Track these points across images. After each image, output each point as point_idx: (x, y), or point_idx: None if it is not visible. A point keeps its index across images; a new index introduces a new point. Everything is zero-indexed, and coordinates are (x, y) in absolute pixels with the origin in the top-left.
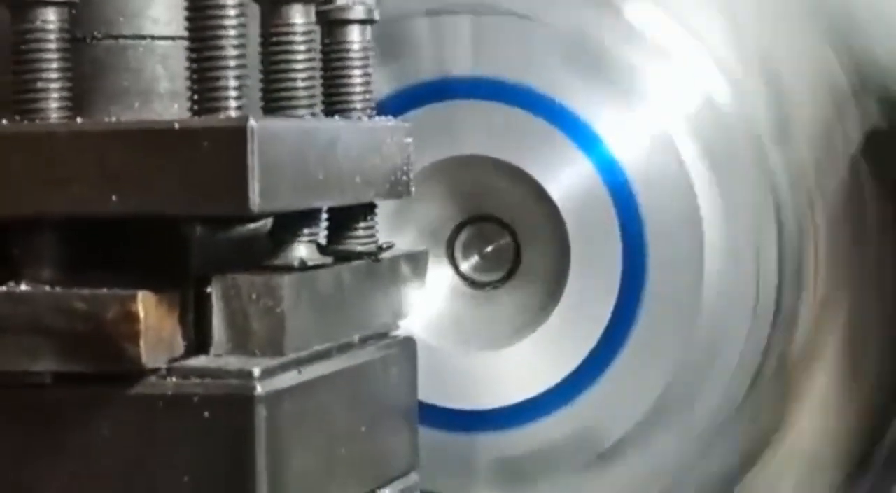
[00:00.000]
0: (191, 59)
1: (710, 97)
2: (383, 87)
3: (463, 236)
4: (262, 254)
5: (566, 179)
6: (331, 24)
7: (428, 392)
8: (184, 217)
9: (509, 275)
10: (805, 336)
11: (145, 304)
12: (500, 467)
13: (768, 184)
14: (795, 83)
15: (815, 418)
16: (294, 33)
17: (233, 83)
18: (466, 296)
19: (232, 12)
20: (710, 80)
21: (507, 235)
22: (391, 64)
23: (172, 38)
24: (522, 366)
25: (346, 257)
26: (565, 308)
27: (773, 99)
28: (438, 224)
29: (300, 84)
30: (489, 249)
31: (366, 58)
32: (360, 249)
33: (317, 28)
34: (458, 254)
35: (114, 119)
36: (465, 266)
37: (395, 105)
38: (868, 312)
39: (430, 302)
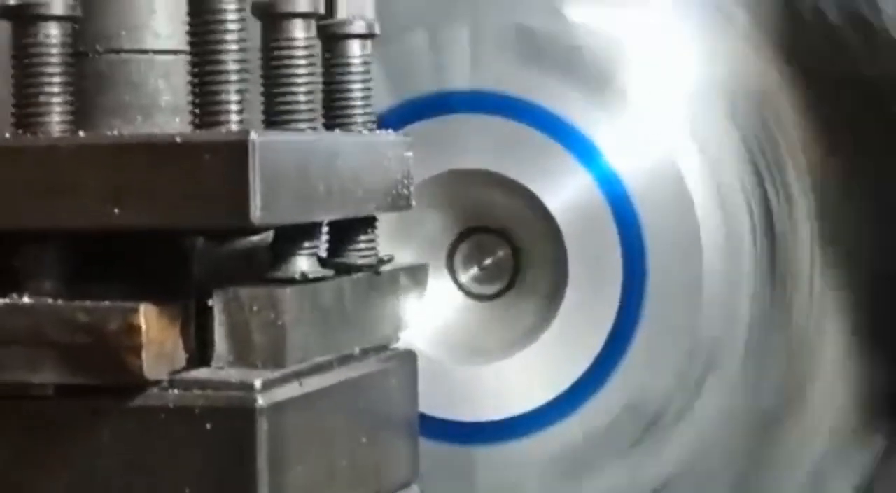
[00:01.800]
0: (192, 74)
1: (710, 110)
2: (383, 100)
3: (462, 248)
4: (264, 267)
5: (565, 191)
6: (331, 39)
7: (428, 404)
8: (186, 230)
9: (509, 287)
10: (809, 328)
11: (147, 316)
12: (500, 478)
13: (764, 191)
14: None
15: (830, 395)
16: (295, 48)
17: (234, 97)
18: (466, 308)
19: (233, 26)
20: (710, 96)
21: (507, 247)
22: (390, 78)
23: (174, 52)
24: (522, 378)
25: (346, 269)
26: (565, 320)
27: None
28: (438, 236)
29: (301, 98)
30: (488, 260)
31: (366, 72)
32: (360, 261)
33: (317, 42)
34: (457, 266)
35: (116, 133)
36: (464, 278)
37: (395, 119)
38: (870, 292)
39: (429, 314)
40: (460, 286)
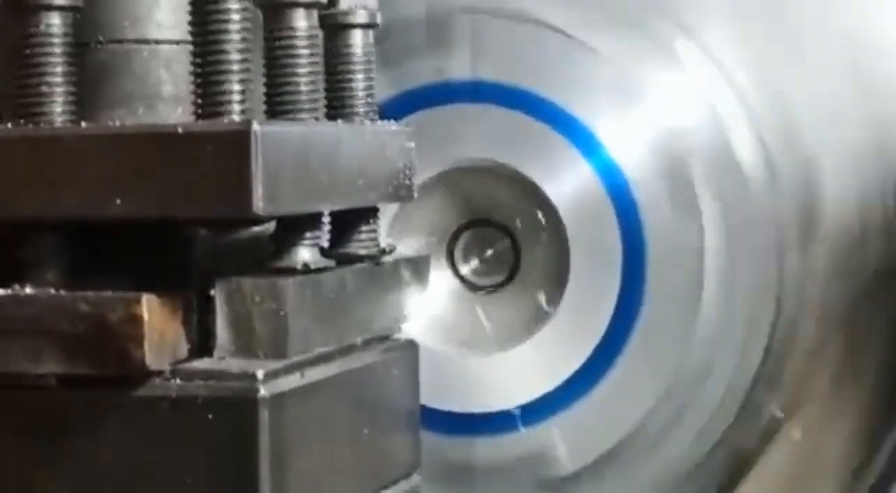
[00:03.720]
0: (195, 64)
1: (713, 105)
2: (383, 90)
3: (463, 240)
4: (266, 257)
5: (566, 182)
6: (333, 29)
7: (427, 395)
8: (188, 220)
9: (509, 279)
10: (805, 341)
11: (149, 306)
12: (500, 470)
13: (767, 187)
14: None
15: (814, 421)
16: (297, 37)
17: (236, 87)
18: (466, 299)
19: (236, 17)
20: (715, 91)
21: (507, 239)
22: (391, 68)
23: (176, 42)
24: (522, 370)
25: (348, 260)
26: (565, 312)
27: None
28: (438, 228)
29: (303, 88)
30: (489, 252)
31: (368, 62)
32: (362, 252)
33: (319, 32)
34: (457, 258)
35: (118, 123)
36: (464, 270)
37: (395, 109)
38: (866, 321)
39: (429, 306)
40: (461, 278)
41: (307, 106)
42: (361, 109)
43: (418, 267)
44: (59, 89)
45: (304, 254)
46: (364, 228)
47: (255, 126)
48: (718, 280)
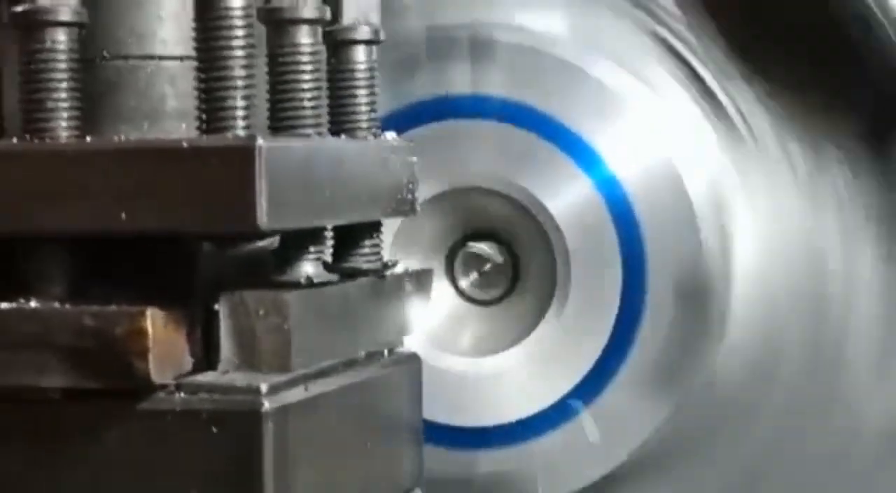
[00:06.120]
0: (199, 79)
1: (710, 118)
2: (384, 105)
3: (462, 253)
4: (269, 271)
5: (565, 196)
6: (337, 45)
7: (427, 409)
8: (192, 235)
9: (508, 292)
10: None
11: (154, 320)
12: (499, 484)
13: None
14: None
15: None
16: (300, 54)
17: (241, 103)
18: (466, 313)
19: (240, 33)
20: (713, 105)
21: (507, 252)
22: (391, 83)
23: (181, 58)
24: (521, 384)
25: (351, 274)
26: (565, 326)
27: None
28: (438, 241)
29: (307, 104)
30: (488, 266)
31: (371, 78)
32: (365, 266)
33: (323, 47)
34: (457, 271)
35: (122, 138)
36: (464, 283)
37: (395, 124)
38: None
39: (429, 319)
40: (460, 291)
41: (311, 121)
42: (364, 124)
43: (421, 281)
44: (65, 105)
45: (308, 268)
46: (367, 242)
47: (260, 141)
48: (719, 291)
